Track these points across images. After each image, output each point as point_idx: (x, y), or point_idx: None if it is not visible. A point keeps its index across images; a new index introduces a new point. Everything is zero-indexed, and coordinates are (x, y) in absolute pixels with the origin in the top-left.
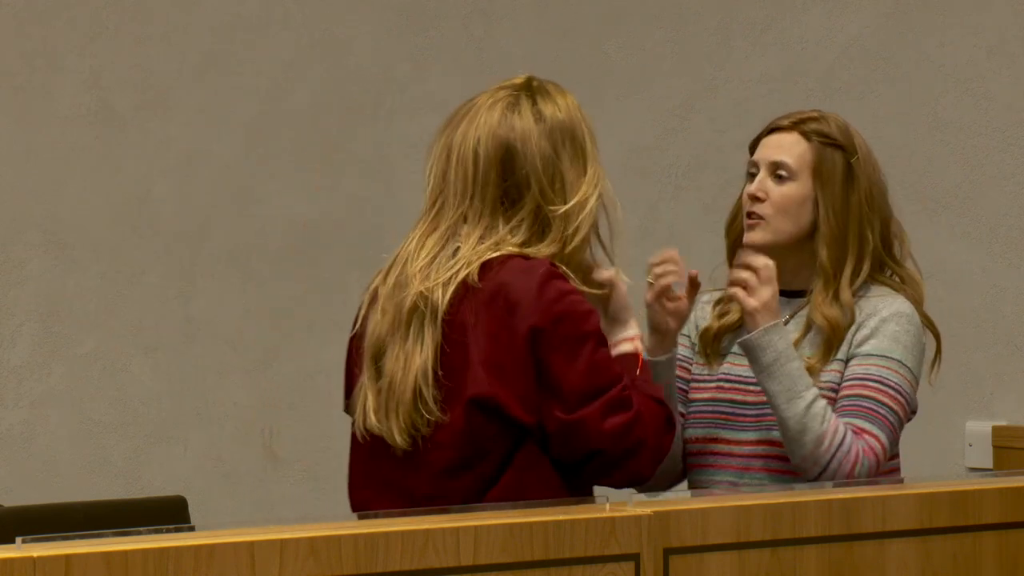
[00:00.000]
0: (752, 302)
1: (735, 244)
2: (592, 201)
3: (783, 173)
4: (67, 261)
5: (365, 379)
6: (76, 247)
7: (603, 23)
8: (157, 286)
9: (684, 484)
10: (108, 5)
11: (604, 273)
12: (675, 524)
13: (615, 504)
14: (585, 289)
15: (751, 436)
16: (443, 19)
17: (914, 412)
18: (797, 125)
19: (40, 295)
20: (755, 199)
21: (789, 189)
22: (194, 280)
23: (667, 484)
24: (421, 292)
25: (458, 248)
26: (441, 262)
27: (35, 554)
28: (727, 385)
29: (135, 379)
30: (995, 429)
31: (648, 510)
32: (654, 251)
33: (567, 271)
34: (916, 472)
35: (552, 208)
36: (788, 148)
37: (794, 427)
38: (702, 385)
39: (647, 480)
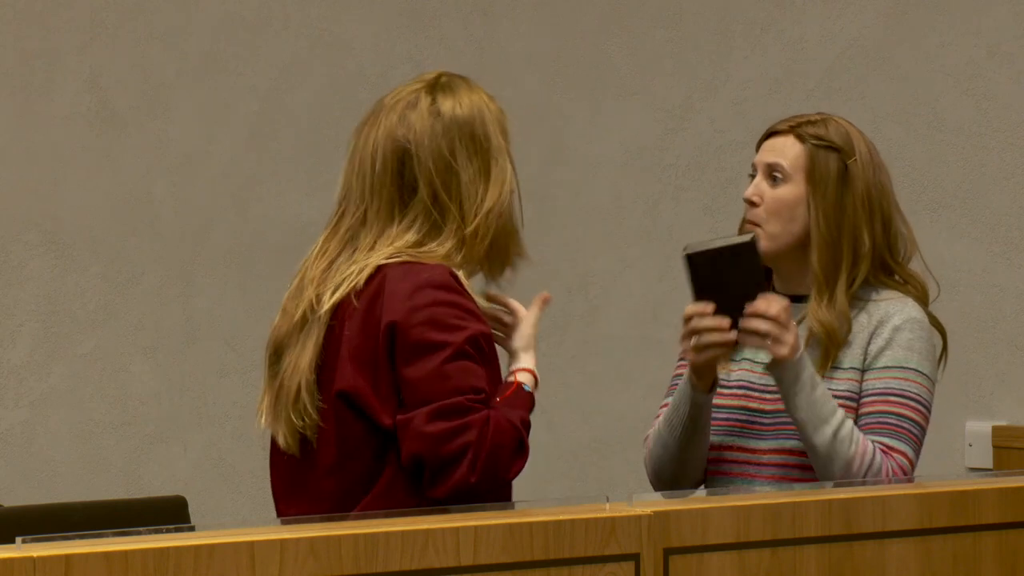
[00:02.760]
0: (782, 351)
1: None
2: (497, 206)
3: (777, 175)
4: (67, 261)
5: (264, 381)
6: (76, 247)
7: (603, 23)
8: (157, 286)
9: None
10: (108, 5)
11: (504, 299)
12: (675, 524)
13: (615, 504)
14: (484, 304)
15: (767, 444)
16: (443, 19)
17: None
18: (794, 128)
19: (40, 295)
20: (751, 203)
21: (782, 191)
22: (194, 280)
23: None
24: (311, 299)
25: (355, 251)
26: (337, 267)
27: (35, 554)
28: (740, 392)
29: (135, 379)
30: (995, 429)
31: (648, 510)
32: (654, 251)
33: (463, 278)
34: (916, 472)
35: (452, 212)
36: (782, 150)
37: (823, 454)
38: (719, 391)
39: (477, 494)
